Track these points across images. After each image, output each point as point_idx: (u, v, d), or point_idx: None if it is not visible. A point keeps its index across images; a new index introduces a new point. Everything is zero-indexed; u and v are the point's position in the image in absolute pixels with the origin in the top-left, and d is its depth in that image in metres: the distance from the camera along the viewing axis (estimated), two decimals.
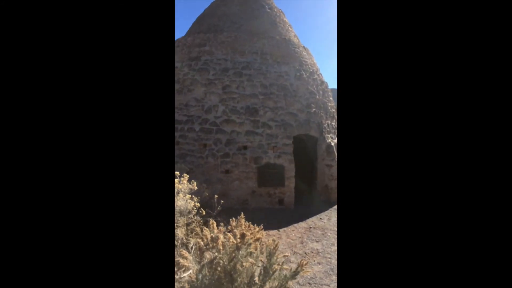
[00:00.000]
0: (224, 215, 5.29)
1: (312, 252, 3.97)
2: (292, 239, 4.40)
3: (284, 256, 2.23)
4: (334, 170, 6.57)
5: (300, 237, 4.48)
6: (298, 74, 6.85)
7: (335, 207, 6.18)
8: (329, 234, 4.66)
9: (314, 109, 6.80)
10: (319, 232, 4.74)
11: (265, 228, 5.17)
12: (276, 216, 5.39)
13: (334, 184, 6.57)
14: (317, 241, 4.36)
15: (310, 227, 4.93)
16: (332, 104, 7.86)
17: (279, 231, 4.70)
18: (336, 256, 3.86)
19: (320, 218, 5.44)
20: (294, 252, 3.95)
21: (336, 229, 4.89)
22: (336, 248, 4.13)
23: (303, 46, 7.86)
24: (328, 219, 5.40)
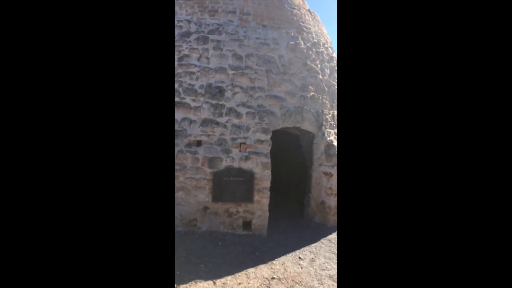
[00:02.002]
0: None
1: None
2: None
3: None
4: (335, 181, 4.54)
5: None
6: (293, 43, 4.86)
7: (331, 236, 4.18)
8: None
9: (312, 93, 4.79)
10: None
11: (198, 276, 2.85)
12: (232, 249, 3.56)
13: (334, 201, 4.54)
14: None
15: (273, 278, 3.03)
16: None
17: (215, 283, 2.87)
18: None
19: (299, 258, 3.50)
20: None
21: (317, 285, 2.94)
22: None
23: (308, 9, 5.79)
24: (311, 261, 3.44)
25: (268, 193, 4.05)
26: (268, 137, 4.16)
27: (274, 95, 4.47)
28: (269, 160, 4.08)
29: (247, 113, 4.21)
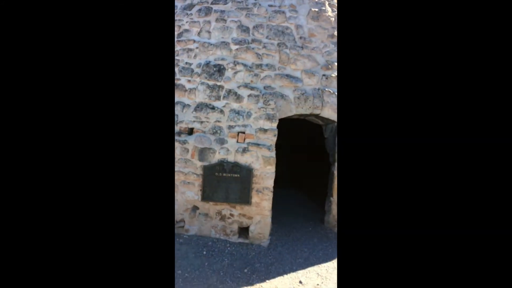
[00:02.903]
0: None
1: None
2: None
3: None
4: None
5: None
6: (316, 9, 3.90)
7: None
8: None
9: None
10: None
11: None
12: (217, 261, 2.91)
13: None
14: None
15: None
16: None
17: None
18: None
19: (300, 282, 2.69)
20: None
21: None
22: None
23: None
24: None
25: (270, 195, 3.27)
26: (274, 125, 3.36)
27: (286, 74, 3.62)
28: (272, 154, 3.29)
29: (249, 95, 3.45)
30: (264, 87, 3.54)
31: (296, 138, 5.58)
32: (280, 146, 5.59)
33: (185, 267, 2.75)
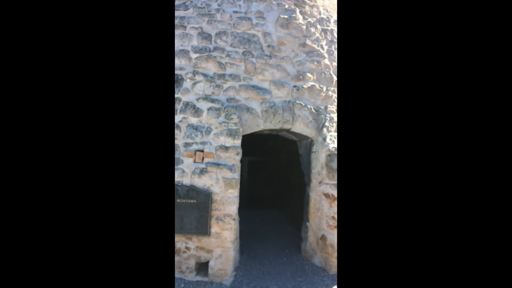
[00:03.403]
0: None
1: None
2: None
3: None
4: None
5: None
6: (286, 17, 3.61)
7: None
8: None
9: (312, 83, 3.48)
10: None
11: None
12: None
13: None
14: None
15: None
16: None
17: None
18: None
19: None
20: None
21: None
22: None
23: None
24: None
25: (232, 223, 2.80)
26: (237, 142, 2.94)
27: (253, 85, 3.26)
28: (235, 176, 2.85)
29: (209, 109, 3.05)
30: (227, 100, 3.15)
31: (272, 154, 5.19)
32: (254, 163, 5.18)
33: None
